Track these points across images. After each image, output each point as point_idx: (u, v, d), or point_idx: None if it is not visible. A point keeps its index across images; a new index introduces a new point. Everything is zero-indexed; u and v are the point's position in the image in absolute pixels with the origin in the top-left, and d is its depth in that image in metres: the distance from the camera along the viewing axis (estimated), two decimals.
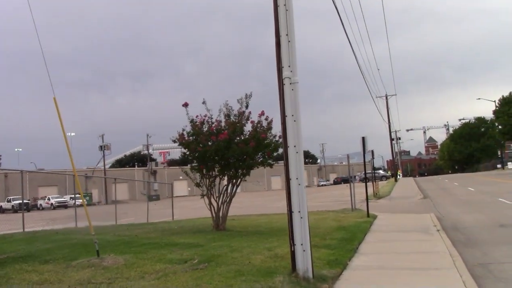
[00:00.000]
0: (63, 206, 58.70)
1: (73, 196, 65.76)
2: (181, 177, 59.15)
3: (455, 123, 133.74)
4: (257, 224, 15.34)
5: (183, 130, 12.64)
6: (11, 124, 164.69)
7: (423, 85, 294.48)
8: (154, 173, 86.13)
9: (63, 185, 71.02)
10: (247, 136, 12.54)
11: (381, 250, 10.02)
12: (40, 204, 60.77)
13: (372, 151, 31.38)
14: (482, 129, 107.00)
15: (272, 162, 13.32)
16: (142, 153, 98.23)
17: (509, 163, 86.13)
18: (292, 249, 6.50)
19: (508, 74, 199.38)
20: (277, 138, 13.09)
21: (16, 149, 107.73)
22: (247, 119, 12.82)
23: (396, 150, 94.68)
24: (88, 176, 70.92)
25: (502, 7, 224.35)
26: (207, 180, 12.96)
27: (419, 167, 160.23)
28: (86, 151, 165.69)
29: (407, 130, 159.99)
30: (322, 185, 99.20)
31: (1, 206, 56.79)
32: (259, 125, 12.78)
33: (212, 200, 12.95)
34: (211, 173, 12.95)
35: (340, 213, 18.39)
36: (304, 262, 6.41)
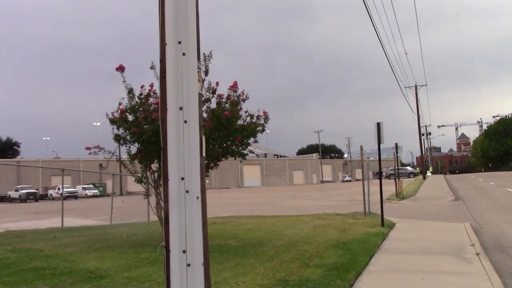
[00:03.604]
0: (73, 196, 57.00)
1: (85, 186, 64.50)
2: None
3: (489, 120, 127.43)
4: (235, 232, 11.86)
5: (120, 104, 9.09)
6: (41, 112, 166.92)
7: (456, 81, 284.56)
8: None
9: (76, 175, 69.00)
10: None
11: None
12: (51, 194, 58.99)
13: (396, 144, 27.56)
14: None
15: (245, 153, 9.79)
16: None
17: None
18: None
19: None
20: (254, 119, 9.63)
21: (44, 138, 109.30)
22: (213, 92, 9.36)
23: (426, 146, 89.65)
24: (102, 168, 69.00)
25: None
26: (152, 175, 9.43)
27: (450, 164, 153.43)
28: (111, 141, 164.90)
29: (439, 127, 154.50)
30: (346, 181, 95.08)
31: (9, 195, 55.11)
32: (229, 100, 9.32)
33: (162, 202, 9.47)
34: (161, 164, 9.41)
35: (349, 218, 14.75)
36: None
